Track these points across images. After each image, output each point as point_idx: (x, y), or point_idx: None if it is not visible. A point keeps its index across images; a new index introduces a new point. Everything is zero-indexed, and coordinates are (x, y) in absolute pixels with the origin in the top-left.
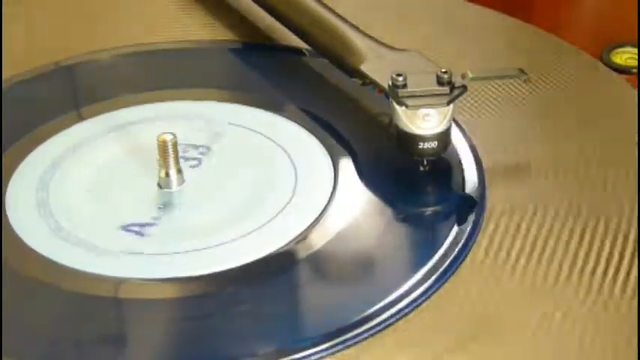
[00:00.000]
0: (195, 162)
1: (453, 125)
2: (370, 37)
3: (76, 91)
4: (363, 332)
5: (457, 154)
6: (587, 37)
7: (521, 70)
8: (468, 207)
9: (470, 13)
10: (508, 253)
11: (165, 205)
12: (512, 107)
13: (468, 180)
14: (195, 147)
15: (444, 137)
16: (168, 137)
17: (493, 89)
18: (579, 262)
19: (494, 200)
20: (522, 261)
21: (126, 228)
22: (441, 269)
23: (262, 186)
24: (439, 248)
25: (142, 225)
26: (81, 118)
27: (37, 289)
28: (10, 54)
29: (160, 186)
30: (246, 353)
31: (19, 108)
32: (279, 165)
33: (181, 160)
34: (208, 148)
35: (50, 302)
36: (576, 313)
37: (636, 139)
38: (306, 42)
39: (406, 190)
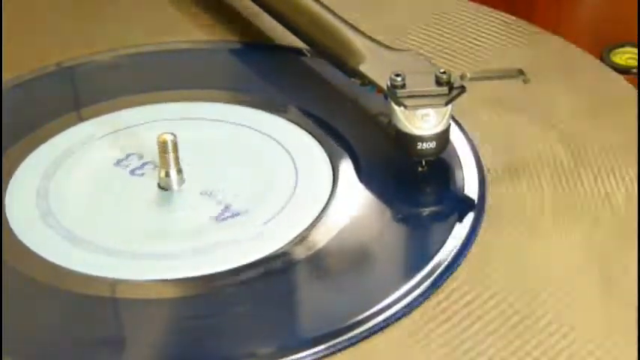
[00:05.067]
0: (194, 162)
1: (453, 125)
2: (369, 38)
3: (76, 92)
4: (363, 332)
5: (457, 154)
6: (587, 37)
7: (521, 71)
8: (467, 207)
9: (470, 12)
10: (508, 253)
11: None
12: (512, 107)
13: (467, 180)
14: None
15: (443, 137)
16: (169, 137)
17: (493, 89)
18: (580, 263)
19: (494, 200)
20: (522, 261)
21: (218, 218)
22: (440, 269)
23: (262, 186)
24: (439, 248)
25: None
26: (81, 119)
27: (36, 290)
28: (11, 54)
29: (160, 186)
30: (246, 353)
31: (19, 109)
32: (279, 165)
33: (181, 160)
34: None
35: (50, 302)
36: (578, 314)
37: (636, 138)
38: (306, 42)
39: (406, 190)
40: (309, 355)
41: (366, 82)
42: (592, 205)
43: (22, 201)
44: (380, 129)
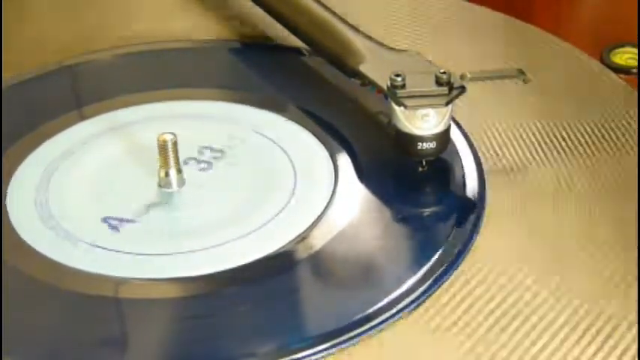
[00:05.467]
0: (194, 162)
1: (453, 125)
2: (369, 38)
3: (76, 91)
4: (363, 332)
5: (457, 154)
6: (587, 37)
7: (521, 71)
8: (467, 207)
9: (469, 13)
10: (508, 254)
11: (160, 204)
12: (512, 107)
13: (467, 180)
14: (195, 147)
15: (443, 138)
16: (169, 137)
17: (493, 89)
18: (580, 262)
19: (494, 200)
20: (522, 261)
21: (106, 219)
22: (440, 269)
23: (262, 186)
24: (439, 248)
25: (121, 220)
26: (81, 118)
27: (37, 289)
28: (11, 54)
29: (160, 186)
30: (246, 353)
31: (19, 108)
32: (278, 165)
33: (181, 160)
34: (208, 148)
35: (50, 302)
36: (575, 314)
37: (636, 139)
38: (306, 42)
39: (406, 191)
40: (310, 355)
41: (366, 82)
42: (593, 204)
43: (22, 200)
44: (380, 129)
